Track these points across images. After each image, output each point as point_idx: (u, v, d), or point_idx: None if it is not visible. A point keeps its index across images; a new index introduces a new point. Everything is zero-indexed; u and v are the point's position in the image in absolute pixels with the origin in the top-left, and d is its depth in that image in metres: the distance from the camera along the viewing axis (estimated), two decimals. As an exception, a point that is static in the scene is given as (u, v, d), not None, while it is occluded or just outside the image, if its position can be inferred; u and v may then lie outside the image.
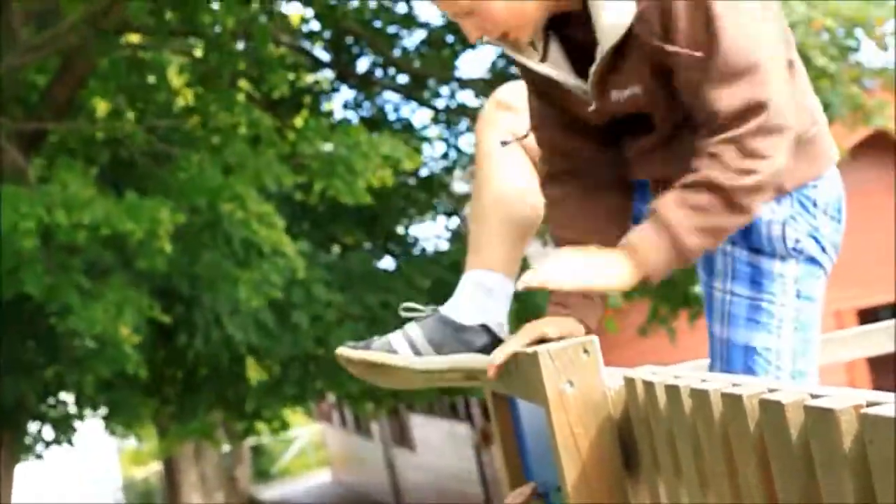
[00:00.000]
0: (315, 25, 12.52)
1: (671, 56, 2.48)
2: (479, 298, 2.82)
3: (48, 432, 12.47)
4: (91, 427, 16.03)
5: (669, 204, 2.44)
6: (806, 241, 2.68)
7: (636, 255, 2.44)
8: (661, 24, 2.49)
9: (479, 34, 2.58)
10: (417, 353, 2.78)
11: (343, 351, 2.81)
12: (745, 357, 2.67)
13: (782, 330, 2.66)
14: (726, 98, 2.42)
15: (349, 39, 12.50)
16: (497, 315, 2.82)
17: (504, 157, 2.91)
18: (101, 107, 11.65)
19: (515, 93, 2.96)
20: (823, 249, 2.71)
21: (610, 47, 2.53)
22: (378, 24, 12.27)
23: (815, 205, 2.68)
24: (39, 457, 12.38)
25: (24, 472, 13.68)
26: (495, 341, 2.78)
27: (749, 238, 2.66)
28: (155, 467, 32.61)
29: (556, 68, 2.67)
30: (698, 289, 11.00)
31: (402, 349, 2.78)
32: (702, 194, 2.43)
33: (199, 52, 11.07)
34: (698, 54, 2.44)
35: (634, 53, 2.55)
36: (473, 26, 2.56)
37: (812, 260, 2.70)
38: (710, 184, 2.42)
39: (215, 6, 9.75)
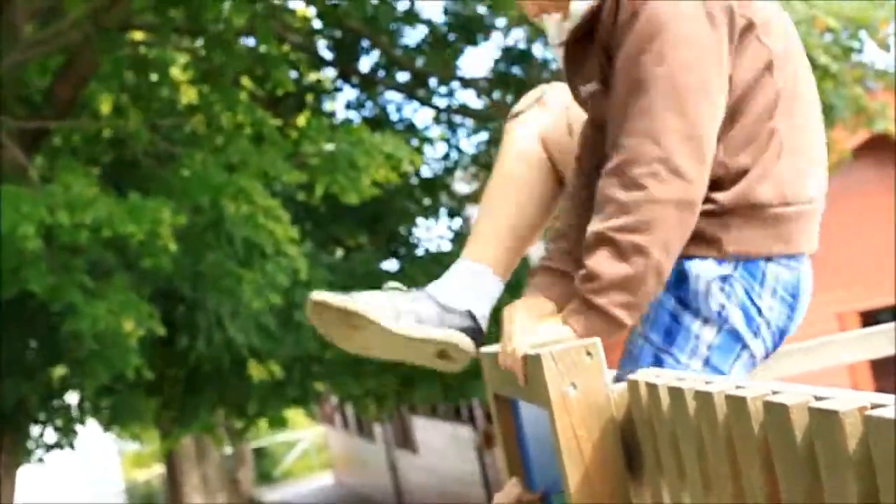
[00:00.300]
0: (318, 23, 12.53)
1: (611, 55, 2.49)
2: (470, 286, 2.80)
3: (50, 435, 12.47)
4: (92, 429, 16.02)
5: (577, 276, 2.47)
6: (733, 310, 2.53)
7: (574, 329, 2.46)
8: (613, 16, 2.49)
9: (537, 10, 2.61)
10: (398, 318, 2.73)
11: (319, 296, 2.70)
12: None
13: None
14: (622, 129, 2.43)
15: (351, 37, 12.50)
16: (483, 308, 2.81)
17: (524, 155, 2.90)
18: (105, 106, 11.65)
19: (550, 91, 2.96)
20: (752, 327, 2.56)
21: (572, 28, 2.53)
22: (380, 21, 12.28)
23: (762, 281, 2.53)
24: (41, 460, 12.37)
25: (26, 475, 13.68)
26: (477, 331, 2.78)
27: (680, 287, 2.55)
28: (157, 469, 32.62)
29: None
30: None
31: (384, 311, 2.72)
32: (592, 253, 2.43)
33: (202, 50, 11.08)
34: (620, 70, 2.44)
35: (595, 44, 2.55)
36: (532, 5, 2.60)
37: (733, 333, 2.55)
38: (594, 237, 2.43)
39: (219, 3, 9.75)
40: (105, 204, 8.64)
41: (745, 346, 2.56)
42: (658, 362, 2.55)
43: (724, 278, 2.51)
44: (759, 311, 2.54)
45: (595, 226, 2.42)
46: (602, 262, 2.40)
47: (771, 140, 2.50)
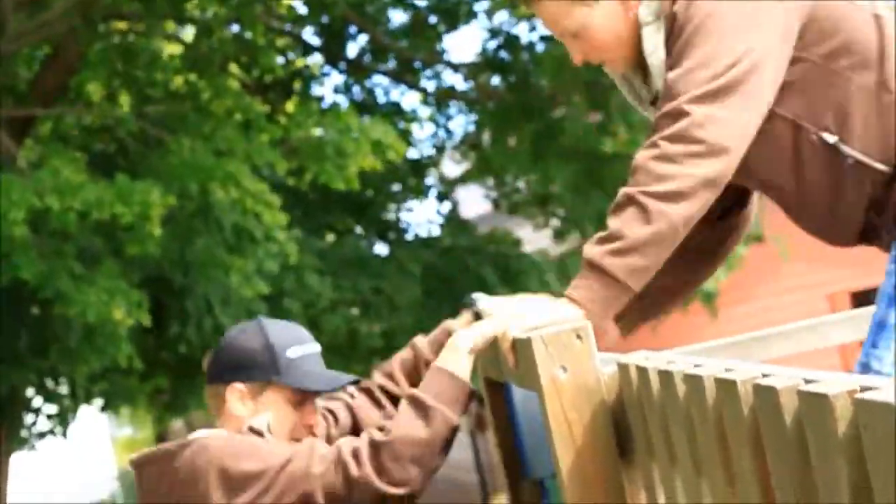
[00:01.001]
0: (304, 9, 12.51)
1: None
2: None
3: (42, 423, 12.46)
4: (85, 415, 16.01)
5: (591, 240, 2.50)
6: None
7: (575, 300, 2.47)
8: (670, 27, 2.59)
9: (582, 57, 2.66)
10: None
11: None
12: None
13: None
14: (664, 106, 2.49)
15: (338, 23, 12.48)
16: None
17: None
18: (95, 93, 11.62)
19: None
20: None
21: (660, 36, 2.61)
22: (366, 6, 12.26)
23: None
24: (33, 448, 12.36)
25: (18, 461, 13.68)
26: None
27: None
28: (150, 455, 32.58)
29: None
30: None
31: None
32: (620, 212, 2.46)
33: (188, 38, 11.06)
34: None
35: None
36: (577, 49, 2.64)
37: None
38: (625, 197, 2.46)
39: None
40: (94, 188, 8.63)
41: None
42: None
43: None
44: None
45: (627, 189, 2.46)
46: (627, 223, 2.44)
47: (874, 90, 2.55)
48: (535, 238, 13.42)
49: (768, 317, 10.22)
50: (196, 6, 9.86)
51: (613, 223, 2.45)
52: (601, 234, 2.47)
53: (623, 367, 2.27)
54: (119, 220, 8.72)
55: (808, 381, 1.51)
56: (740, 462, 1.73)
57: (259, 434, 2.64)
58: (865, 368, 2.45)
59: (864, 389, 1.37)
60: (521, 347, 2.47)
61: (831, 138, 2.53)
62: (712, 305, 11.43)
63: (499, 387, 3.11)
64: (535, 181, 11.80)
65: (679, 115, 2.45)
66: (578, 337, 2.34)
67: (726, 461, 1.80)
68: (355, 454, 2.51)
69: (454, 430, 2.57)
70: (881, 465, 1.31)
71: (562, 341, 2.34)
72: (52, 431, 12.29)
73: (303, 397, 2.75)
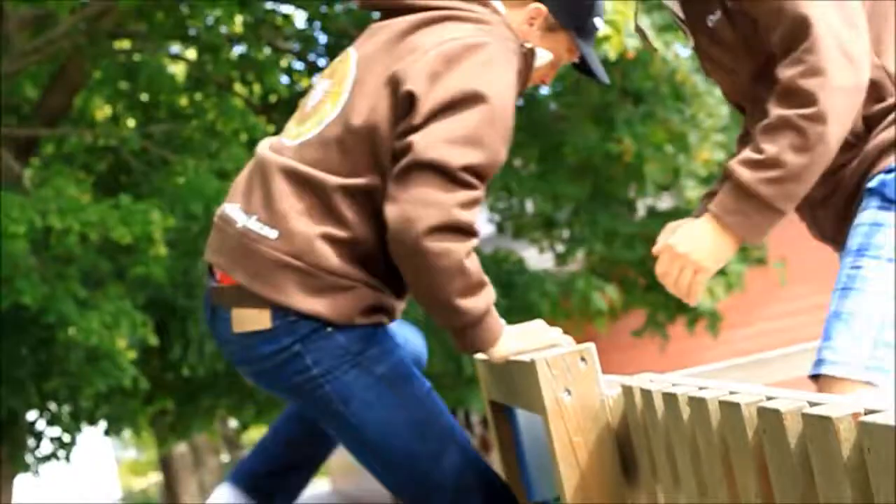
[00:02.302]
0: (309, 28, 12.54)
1: None
2: None
3: (45, 446, 12.44)
4: (89, 438, 16.00)
5: (741, 160, 2.44)
6: None
7: (728, 227, 2.45)
8: None
9: None
10: None
11: None
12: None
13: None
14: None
15: (344, 42, 12.50)
16: None
17: None
18: (100, 113, 11.65)
19: None
20: None
21: None
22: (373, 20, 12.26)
23: None
24: (36, 472, 12.34)
25: (23, 483, 13.66)
26: None
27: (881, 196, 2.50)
28: (154, 478, 32.59)
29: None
30: None
31: None
32: (776, 136, 2.40)
33: (193, 57, 11.08)
34: None
35: None
36: None
37: None
38: (780, 120, 2.40)
39: (206, 10, 9.75)
40: (96, 208, 8.64)
41: None
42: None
43: None
44: None
45: (781, 110, 2.41)
46: (785, 149, 2.38)
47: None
48: (539, 260, 13.42)
49: (771, 339, 10.20)
50: (200, 24, 9.87)
51: (770, 148, 2.40)
52: (754, 156, 2.41)
53: (627, 390, 2.27)
54: (120, 241, 8.73)
55: (812, 404, 1.51)
56: (744, 484, 1.73)
57: (528, 56, 2.68)
58: (819, 364, 2.38)
59: (868, 412, 1.37)
60: (525, 370, 2.47)
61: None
62: (715, 327, 11.41)
63: (503, 409, 3.11)
64: (540, 200, 11.80)
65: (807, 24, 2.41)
66: (582, 359, 2.34)
67: (731, 484, 1.79)
68: None
69: None
70: (885, 487, 1.31)
71: (566, 364, 2.34)
72: (55, 455, 12.27)
73: (567, 60, 2.81)
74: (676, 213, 10.85)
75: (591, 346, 2.37)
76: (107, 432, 13.05)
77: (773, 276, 12.21)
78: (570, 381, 2.33)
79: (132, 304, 9.46)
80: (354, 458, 2.74)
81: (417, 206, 2.43)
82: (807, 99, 2.37)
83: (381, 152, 2.57)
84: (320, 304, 2.56)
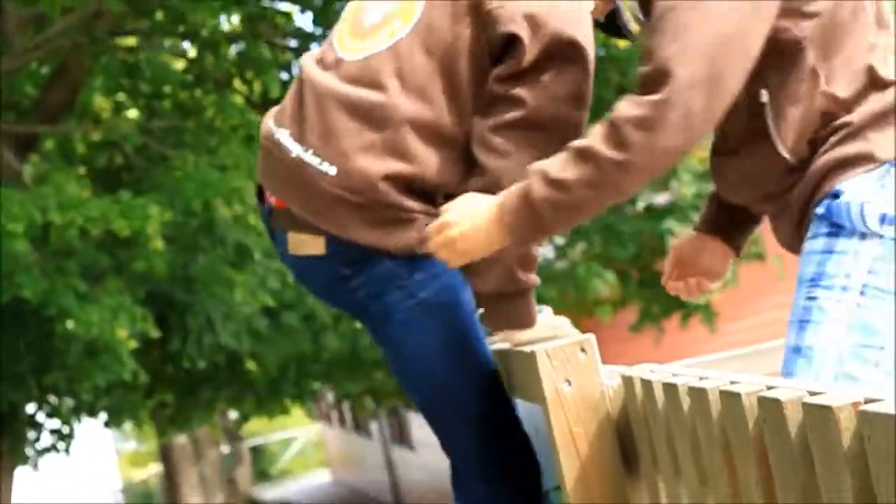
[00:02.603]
0: (309, 26, 12.52)
1: None
2: None
3: (45, 439, 12.45)
4: (89, 429, 16.00)
5: (539, 168, 2.36)
6: None
7: (500, 218, 2.36)
8: None
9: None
10: None
11: None
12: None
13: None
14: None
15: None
16: None
17: None
18: (102, 107, 11.64)
19: None
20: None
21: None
22: None
23: None
24: (36, 464, 12.35)
25: (22, 475, 13.67)
26: None
27: (830, 222, 2.40)
28: (154, 469, 32.61)
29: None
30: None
31: None
32: (575, 159, 2.31)
33: (192, 53, 11.07)
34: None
35: None
36: None
37: None
38: (587, 149, 2.32)
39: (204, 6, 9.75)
40: (96, 203, 8.65)
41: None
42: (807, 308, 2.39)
43: (881, 178, 2.36)
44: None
45: (593, 141, 2.31)
46: (581, 184, 2.29)
47: (871, 56, 2.43)
48: (539, 252, 13.44)
49: (768, 331, 10.21)
50: (199, 22, 9.87)
51: (567, 173, 2.31)
52: (551, 173, 2.32)
53: (627, 380, 2.27)
54: (119, 234, 8.73)
55: (812, 394, 1.51)
56: (745, 474, 1.73)
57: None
58: None
59: (867, 401, 1.38)
60: (525, 361, 2.47)
61: (766, 96, 2.42)
62: (711, 321, 11.43)
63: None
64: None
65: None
66: (582, 350, 2.34)
67: (731, 473, 1.80)
68: None
69: None
70: (885, 476, 1.31)
71: (565, 355, 2.34)
72: (54, 447, 12.28)
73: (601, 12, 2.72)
74: (672, 210, 10.87)
75: (590, 336, 2.37)
76: (107, 424, 13.08)
77: (771, 270, 12.24)
78: (570, 372, 2.33)
79: (132, 299, 9.48)
80: (397, 378, 2.77)
81: (522, 168, 2.38)
82: (623, 146, 2.27)
83: (459, 83, 2.52)
84: (377, 237, 2.54)
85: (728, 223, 2.80)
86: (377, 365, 12.92)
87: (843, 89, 2.41)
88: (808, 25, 2.40)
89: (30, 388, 10.59)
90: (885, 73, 2.43)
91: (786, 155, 2.42)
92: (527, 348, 2.45)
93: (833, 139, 2.40)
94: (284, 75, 11.91)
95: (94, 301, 9.09)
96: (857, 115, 2.40)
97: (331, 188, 2.52)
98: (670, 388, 2.01)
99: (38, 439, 12.30)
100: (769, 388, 1.64)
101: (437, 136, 2.53)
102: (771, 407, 1.58)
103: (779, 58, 2.39)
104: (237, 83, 11.13)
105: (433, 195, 2.56)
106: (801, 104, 2.41)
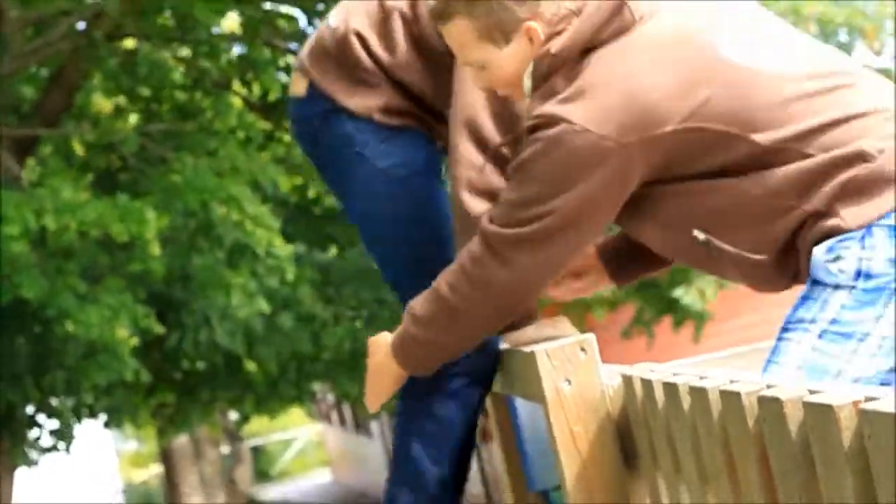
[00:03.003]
0: (309, 28, 12.53)
1: None
2: None
3: (46, 438, 12.46)
4: (90, 430, 16.00)
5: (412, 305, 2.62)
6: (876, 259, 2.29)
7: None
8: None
9: (484, 86, 2.64)
10: None
11: None
12: None
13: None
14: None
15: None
16: None
17: None
18: (100, 108, 11.65)
19: None
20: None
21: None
22: None
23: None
24: (34, 464, 12.35)
25: (23, 475, 13.68)
26: None
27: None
28: (155, 469, 32.62)
29: None
30: (678, 293, 11.00)
31: None
32: (427, 299, 2.56)
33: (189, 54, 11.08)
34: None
35: None
36: (480, 79, 2.60)
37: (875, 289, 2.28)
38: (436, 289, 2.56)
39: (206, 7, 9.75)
40: (94, 206, 8.66)
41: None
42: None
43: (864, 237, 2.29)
44: None
45: (448, 280, 2.49)
46: (431, 322, 2.52)
47: (783, 154, 2.29)
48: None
49: (761, 330, 10.22)
50: (202, 24, 9.88)
51: (421, 310, 2.56)
52: (415, 310, 2.58)
53: (627, 380, 2.27)
54: (117, 238, 8.76)
55: (812, 392, 1.51)
56: (746, 473, 1.73)
57: None
58: None
59: (868, 400, 1.37)
60: (525, 361, 2.47)
61: (702, 236, 2.34)
62: (701, 328, 11.44)
63: (503, 399, 3.11)
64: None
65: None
66: (582, 349, 2.34)
67: (732, 472, 1.80)
68: None
69: None
70: (885, 474, 1.31)
71: (565, 354, 2.34)
72: (54, 447, 12.29)
73: None
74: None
75: (590, 336, 2.37)
76: (107, 424, 13.09)
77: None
78: (570, 372, 2.33)
79: (133, 298, 9.49)
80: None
81: None
82: (455, 290, 2.46)
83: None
84: (339, 89, 2.75)
85: (627, 260, 2.75)
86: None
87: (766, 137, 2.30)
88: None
89: (28, 388, 10.61)
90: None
91: (760, 258, 2.35)
92: (527, 348, 2.45)
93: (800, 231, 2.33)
94: (284, 77, 11.91)
95: (93, 301, 9.11)
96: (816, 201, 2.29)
97: (328, 41, 2.78)
98: (670, 388, 2.01)
99: (38, 439, 12.31)
100: (769, 386, 1.64)
101: (422, 45, 2.72)
102: (771, 406, 1.58)
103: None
104: (236, 85, 11.14)
105: (401, 86, 2.75)
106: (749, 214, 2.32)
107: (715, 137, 2.25)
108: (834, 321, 2.27)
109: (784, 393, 1.55)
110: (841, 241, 2.27)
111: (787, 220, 2.28)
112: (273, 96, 11.50)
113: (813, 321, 2.28)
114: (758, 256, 2.34)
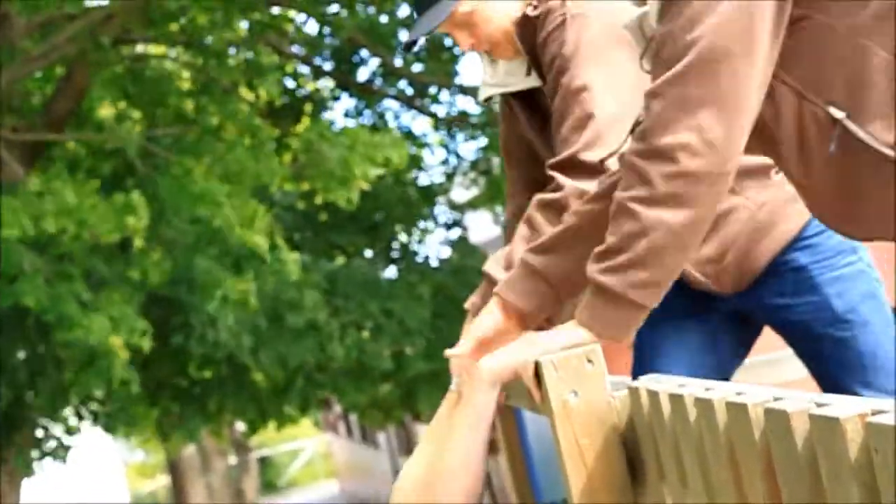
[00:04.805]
0: (315, 32, 12.56)
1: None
2: None
3: (48, 446, 12.47)
4: (97, 441, 16.01)
5: (592, 256, 2.33)
6: None
7: (583, 323, 2.34)
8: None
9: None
10: None
11: None
12: None
13: None
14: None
15: (349, 47, 12.51)
16: None
17: None
18: (105, 116, 11.69)
19: None
20: None
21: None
22: (378, 30, 12.26)
23: None
24: (32, 474, 12.35)
25: (30, 486, 13.69)
26: None
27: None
28: (162, 480, 32.62)
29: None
30: None
31: None
32: (615, 222, 2.28)
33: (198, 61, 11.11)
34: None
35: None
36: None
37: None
38: (617, 205, 2.28)
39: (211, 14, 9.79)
40: (93, 210, 8.69)
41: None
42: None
43: None
44: None
45: (618, 195, 2.27)
46: (624, 236, 2.24)
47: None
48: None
49: (774, 340, 10.19)
50: (207, 28, 9.91)
51: (610, 236, 2.27)
52: (600, 248, 2.30)
53: (634, 391, 2.26)
54: (102, 238, 8.82)
55: (819, 405, 1.50)
56: (752, 486, 1.73)
57: None
58: None
59: (875, 413, 1.37)
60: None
61: (839, 113, 2.18)
62: None
63: (510, 411, 3.11)
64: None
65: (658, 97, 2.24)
66: (589, 361, 2.34)
67: (738, 485, 1.79)
68: None
69: None
70: (892, 488, 1.31)
71: (572, 365, 2.33)
72: (56, 453, 12.31)
73: None
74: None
75: (597, 347, 2.36)
76: (107, 430, 13.11)
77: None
78: (577, 383, 2.32)
79: (136, 303, 9.54)
80: None
81: None
82: (643, 181, 2.22)
83: None
84: None
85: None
86: (384, 376, 12.93)
87: None
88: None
89: (28, 392, 10.64)
90: None
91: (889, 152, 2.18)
92: (531, 358, 2.44)
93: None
94: (290, 83, 11.91)
95: (96, 309, 9.15)
96: None
97: None
98: (677, 399, 2.00)
99: (39, 446, 12.33)
100: (776, 399, 1.63)
101: None
102: (777, 418, 1.57)
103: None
104: (244, 90, 11.17)
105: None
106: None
107: None
108: None
109: (790, 405, 1.55)
110: None
111: None
112: (280, 102, 11.53)
113: None
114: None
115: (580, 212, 2.55)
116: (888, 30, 2.15)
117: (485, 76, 3.16)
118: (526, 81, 3.07)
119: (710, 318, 3.06)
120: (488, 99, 3.24)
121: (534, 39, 2.94)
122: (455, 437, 2.45)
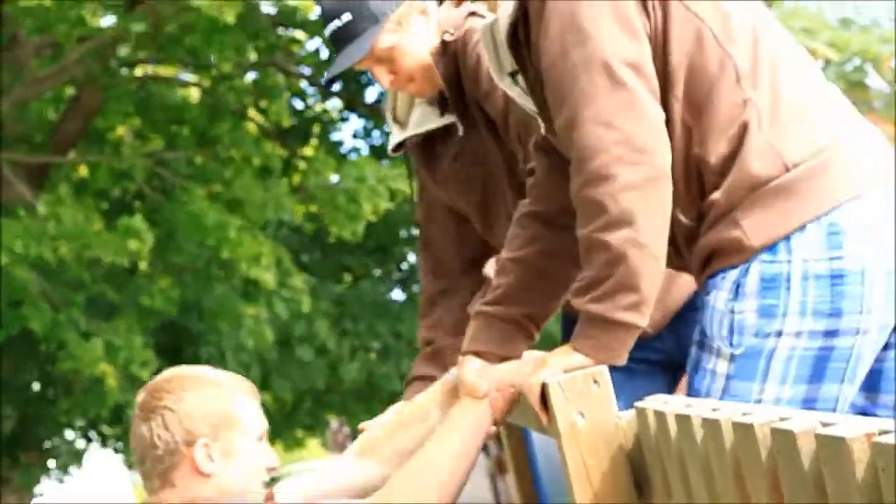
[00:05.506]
0: (324, 55, 12.57)
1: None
2: None
3: (54, 464, 12.49)
4: (104, 460, 16.01)
5: (572, 291, 2.37)
6: (748, 315, 2.35)
7: (579, 351, 2.35)
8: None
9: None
10: None
11: None
12: None
13: None
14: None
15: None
16: None
17: None
18: (113, 139, 11.72)
19: None
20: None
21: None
22: None
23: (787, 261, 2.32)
24: (38, 493, 12.36)
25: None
26: None
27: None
28: (170, 501, 32.55)
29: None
30: None
31: None
32: (586, 257, 2.31)
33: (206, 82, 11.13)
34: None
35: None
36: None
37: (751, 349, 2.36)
38: (582, 241, 2.32)
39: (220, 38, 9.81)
40: (98, 235, 8.71)
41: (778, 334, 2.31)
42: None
43: (742, 277, 2.32)
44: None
45: (581, 231, 2.31)
46: (597, 267, 2.28)
47: (745, 113, 2.32)
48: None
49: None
50: (216, 52, 9.94)
51: (588, 270, 2.31)
52: (580, 283, 2.33)
53: (640, 412, 2.26)
54: (104, 261, 8.83)
55: (825, 425, 1.50)
56: (759, 506, 1.73)
57: None
58: None
59: (881, 433, 1.37)
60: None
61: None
62: None
63: (518, 431, 3.11)
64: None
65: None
66: (595, 382, 2.34)
67: (745, 505, 1.79)
68: None
69: None
70: (899, 508, 1.31)
71: (579, 387, 2.33)
72: (63, 470, 12.32)
73: None
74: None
75: (604, 368, 2.36)
76: (116, 452, 13.11)
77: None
78: (584, 404, 2.32)
79: (142, 333, 9.53)
80: None
81: None
82: (599, 208, 2.26)
83: None
84: None
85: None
86: (393, 397, 12.92)
87: (713, 153, 2.35)
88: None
89: (34, 413, 10.66)
90: (762, 136, 2.32)
91: (681, 218, 2.37)
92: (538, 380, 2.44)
93: (707, 220, 2.36)
94: (299, 104, 11.91)
95: (94, 335, 9.14)
96: (724, 193, 2.33)
97: None
98: (683, 420, 2.00)
99: (45, 466, 12.34)
100: (782, 419, 1.63)
101: None
102: (784, 438, 1.57)
103: None
104: (252, 112, 11.19)
105: None
106: (676, 166, 2.33)
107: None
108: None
109: (797, 425, 1.55)
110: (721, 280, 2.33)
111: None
112: (288, 123, 11.54)
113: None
114: (685, 220, 2.36)
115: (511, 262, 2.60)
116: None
117: (394, 127, 3.14)
118: (441, 120, 3.06)
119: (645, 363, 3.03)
120: (399, 146, 3.18)
121: (455, 65, 2.94)
122: (452, 435, 2.46)
